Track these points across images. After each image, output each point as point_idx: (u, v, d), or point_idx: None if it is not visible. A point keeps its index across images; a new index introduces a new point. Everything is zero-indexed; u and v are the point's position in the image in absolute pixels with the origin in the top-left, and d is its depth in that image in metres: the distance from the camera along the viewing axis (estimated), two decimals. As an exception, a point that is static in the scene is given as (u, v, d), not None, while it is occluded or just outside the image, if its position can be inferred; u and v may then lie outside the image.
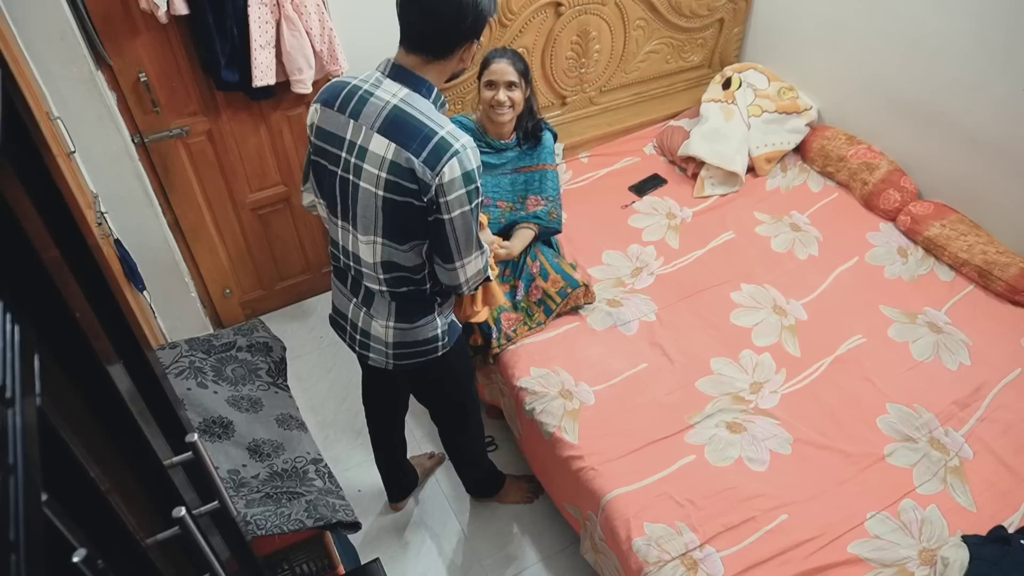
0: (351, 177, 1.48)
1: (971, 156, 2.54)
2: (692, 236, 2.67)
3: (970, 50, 2.41)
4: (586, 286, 2.30)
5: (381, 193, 1.44)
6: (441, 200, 1.42)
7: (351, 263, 1.63)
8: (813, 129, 3.01)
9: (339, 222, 1.57)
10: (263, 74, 2.27)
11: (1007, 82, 2.34)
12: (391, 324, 1.66)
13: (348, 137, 1.46)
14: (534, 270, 2.33)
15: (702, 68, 3.30)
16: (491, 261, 2.06)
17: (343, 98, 1.47)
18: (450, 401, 1.98)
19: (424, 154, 1.38)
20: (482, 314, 2.08)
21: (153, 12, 2.06)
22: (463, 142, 1.41)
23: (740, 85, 2.99)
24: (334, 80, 1.55)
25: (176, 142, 2.44)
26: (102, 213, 2.11)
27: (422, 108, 1.42)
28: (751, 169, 2.95)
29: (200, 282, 2.80)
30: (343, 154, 1.48)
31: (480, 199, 1.49)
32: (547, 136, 2.40)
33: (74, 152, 2.05)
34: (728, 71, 3.06)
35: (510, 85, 2.17)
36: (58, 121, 1.95)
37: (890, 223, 2.71)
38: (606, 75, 3.04)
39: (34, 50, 1.93)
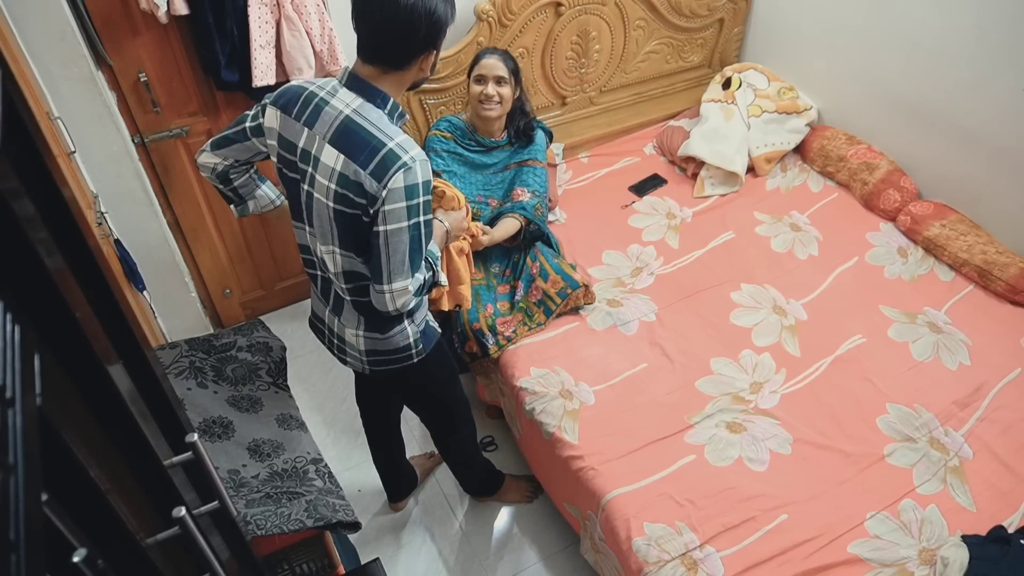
0: (305, 186, 1.48)
1: (971, 156, 2.54)
2: (692, 236, 2.67)
3: (970, 50, 2.41)
4: (586, 286, 2.30)
5: (332, 205, 1.43)
6: (381, 210, 1.38)
7: (320, 269, 1.62)
8: (813, 129, 3.01)
9: (305, 227, 1.56)
10: (263, 74, 2.27)
11: (1007, 82, 2.34)
12: (361, 333, 1.64)
13: (301, 146, 1.45)
14: (534, 270, 2.33)
15: (702, 68, 3.30)
16: (455, 264, 1.99)
17: (300, 106, 1.45)
18: (435, 404, 1.97)
19: (371, 166, 1.36)
20: (442, 302, 2.05)
21: (153, 12, 2.06)
22: (413, 154, 1.37)
23: (740, 85, 2.99)
24: (291, 84, 1.51)
25: (176, 142, 2.44)
26: (102, 213, 2.11)
27: (373, 119, 1.39)
28: (751, 169, 2.95)
29: (200, 282, 2.80)
30: (298, 163, 1.47)
31: (426, 219, 1.43)
32: (539, 135, 2.40)
33: (74, 152, 2.05)
34: (728, 71, 3.06)
35: (499, 80, 2.19)
36: (58, 121, 1.95)
37: (890, 223, 2.71)
38: (606, 75, 3.04)
39: (34, 50, 1.93)
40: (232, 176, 1.64)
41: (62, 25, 1.94)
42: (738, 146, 2.86)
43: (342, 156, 1.38)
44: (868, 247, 2.61)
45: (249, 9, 2.16)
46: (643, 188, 2.89)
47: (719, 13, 3.11)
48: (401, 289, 1.45)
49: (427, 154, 2.27)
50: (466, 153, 2.33)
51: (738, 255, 2.58)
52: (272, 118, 1.50)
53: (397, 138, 1.38)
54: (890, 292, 2.44)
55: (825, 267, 2.54)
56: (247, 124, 1.55)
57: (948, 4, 2.42)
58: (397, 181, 1.35)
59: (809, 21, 2.96)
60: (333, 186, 1.40)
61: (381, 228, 1.39)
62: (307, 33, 2.26)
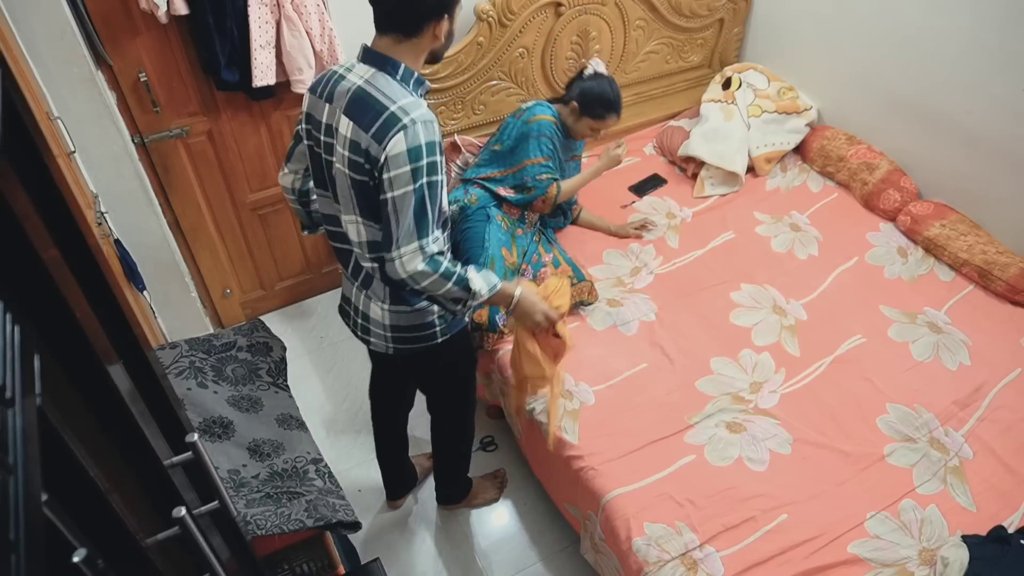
0: (327, 157, 1.53)
1: (971, 156, 2.54)
2: (692, 236, 2.67)
3: (970, 50, 2.41)
4: (591, 283, 2.33)
5: (347, 172, 1.47)
6: (384, 176, 1.39)
7: (348, 244, 1.64)
8: (813, 129, 3.01)
9: (332, 203, 1.60)
10: (263, 74, 2.27)
11: (1006, 82, 2.34)
12: (387, 307, 1.65)
13: (324, 120, 1.50)
14: (546, 259, 2.37)
15: (702, 68, 3.30)
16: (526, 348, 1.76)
17: (323, 83, 1.52)
18: (448, 393, 1.98)
19: (373, 129, 1.39)
20: (538, 367, 1.78)
21: (153, 12, 2.06)
22: (414, 116, 1.37)
23: (740, 85, 2.99)
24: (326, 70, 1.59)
25: (176, 142, 2.44)
26: (102, 213, 2.11)
27: (381, 85, 1.43)
28: (751, 169, 2.95)
29: (200, 282, 2.80)
30: (322, 137, 1.52)
31: (431, 180, 1.41)
32: None
33: (74, 152, 2.04)
34: (728, 71, 3.06)
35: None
36: (58, 121, 1.95)
37: (890, 223, 2.71)
38: (606, 75, 3.04)
39: (34, 50, 1.93)
40: (311, 195, 1.69)
41: (62, 25, 1.94)
42: (738, 146, 2.86)
43: (352, 123, 1.42)
44: (868, 247, 2.61)
45: (249, 9, 2.16)
46: (643, 188, 2.89)
47: (719, 13, 3.11)
48: (410, 253, 1.43)
49: (542, 139, 2.28)
50: (566, 142, 2.41)
51: (738, 255, 2.58)
52: (305, 103, 1.58)
53: (401, 101, 1.40)
54: (890, 292, 2.44)
55: (825, 267, 2.54)
56: (298, 127, 1.61)
57: (948, 4, 2.42)
58: (398, 144, 1.37)
59: (809, 21, 2.96)
60: (347, 153, 1.44)
61: (388, 195, 1.41)
62: (307, 33, 2.26)
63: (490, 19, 2.60)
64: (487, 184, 2.37)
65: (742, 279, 2.48)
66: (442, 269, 1.47)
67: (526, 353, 1.77)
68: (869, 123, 2.86)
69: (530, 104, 2.36)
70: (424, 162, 1.39)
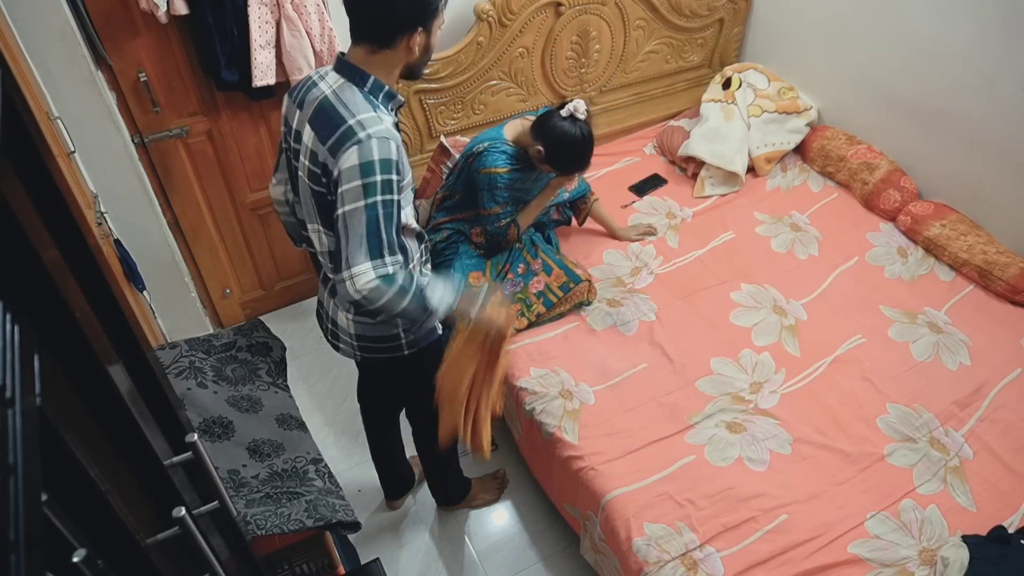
0: (295, 162, 1.52)
1: (971, 156, 2.54)
2: (692, 236, 2.67)
3: (970, 50, 2.41)
4: (588, 281, 2.32)
5: (308, 181, 1.46)
6: (338, 191, 1.36)
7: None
8: (813, 129, 3.01)
9: (303, 209, 1.57)
10: (263, 74, 2.27)
11: (1007, 82, 2.34)
12: (352, 316, 1.64)
13: (295, 126, 1.50)
14: (535, 266, 2.34)
15: (702, 68, 3.30)
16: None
17: (299, 89, 1.51)
18: (423, 401, 1.88)
19: (330, 142, 1.36)
20: (457, 376, 1.62)
21: (153, 12, 2.06)
22: (370, 131, 1.34)
23: (740, 85, 2.99)
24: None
25: (176, 142, 2.44)
26: (102, 213, 2.11)
27: (346, 98, 1.40)
28: (751, 169, 2.95)
29: (200, 282, 2.80)
30: (292, 142, 1.51)
31: (385, 199, 1.36)
32: None
33: (74, 152, 2.04)
34: (728, 71, 3.06)
35: None
36: (58, 121, 1.95)
37: (890, 223, 2.71)
38: (606, 75, 3.04)
39: (34, 50, 1.93)
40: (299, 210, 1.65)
41: (62, 25, 1.94)
42: (738, 146, 2.86)
43: (314, 134, 1.42)
44: (868, 247, 2.61)
45: (249, 9, 2.16)
46: (643, 188, 2.89)
47: (719, 13, 3.11)
48: (361, 273, 1.36)
49: (495, 191, 2.17)
50: (527, 175, 2.29)
51: (738, 255, 2.58)
52: (283, 106, 1.58)
53: (361, 115, 1.37)
54: (890, 292, 2.44)
55: (825, 267, 2.54)
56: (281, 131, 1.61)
57: (948, 4, 2.42)
58: (350, 158, 1.34)
59: (809, 21, 2.96)
60: (307, 163, 1.44)
61: (340, 211, 1.37)
62: (307, 33, 2.26)
63: (490, 19, 2.60)
64: (460, 226, 2.36)
65: (742, 279, 2.48)
66: (396, 287, 1.39)
67: (456, 362, 1.59)
68: (869, 123, 2.86)
69: (484, 147, 2.18)
70: (377, 179, 1.35)
